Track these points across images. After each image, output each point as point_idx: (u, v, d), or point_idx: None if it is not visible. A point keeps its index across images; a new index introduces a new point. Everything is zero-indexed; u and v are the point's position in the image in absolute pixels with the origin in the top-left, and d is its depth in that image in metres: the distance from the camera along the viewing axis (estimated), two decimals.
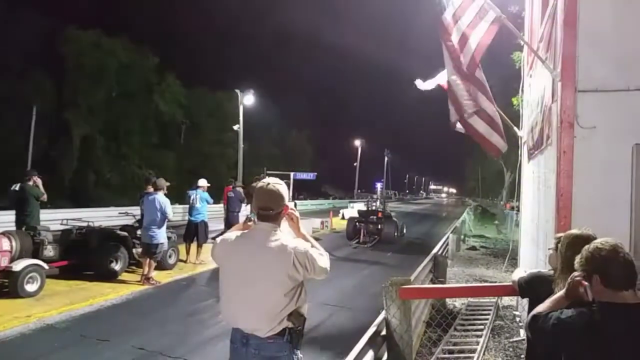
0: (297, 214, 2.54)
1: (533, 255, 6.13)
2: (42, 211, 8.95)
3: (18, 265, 6.87)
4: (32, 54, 30.03)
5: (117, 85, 35.00)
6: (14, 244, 7.04)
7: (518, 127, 8.01)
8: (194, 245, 10.49)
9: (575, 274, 2.01)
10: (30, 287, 6.94)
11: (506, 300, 7.46)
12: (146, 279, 8.15)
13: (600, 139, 4.22)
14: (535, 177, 6.35)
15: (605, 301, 1.85)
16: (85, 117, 32.44)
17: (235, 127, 25.12)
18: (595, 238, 2.10)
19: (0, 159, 25.58)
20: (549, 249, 2.91)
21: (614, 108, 4.24)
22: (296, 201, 26.62)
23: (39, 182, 8.58)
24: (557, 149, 4.44)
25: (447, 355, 5.12)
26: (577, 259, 2.01)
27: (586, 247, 1.98)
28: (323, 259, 2.39)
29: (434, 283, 7.12)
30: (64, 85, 31.93)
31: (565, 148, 4.30)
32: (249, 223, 2.58)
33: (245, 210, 11.59)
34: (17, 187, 8.52)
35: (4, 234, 7.13)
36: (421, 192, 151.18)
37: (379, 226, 16.28)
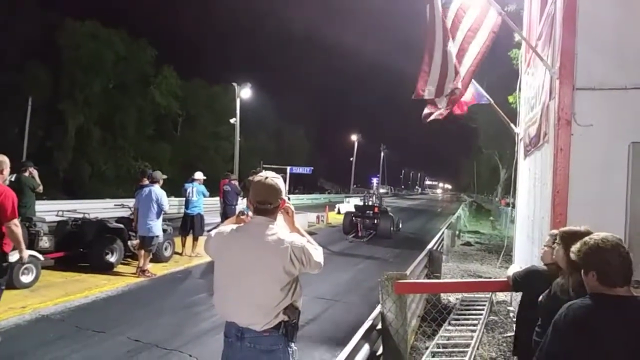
0: (292, 208, 2.55)
1: (528, 252, 6.16)
2: (37, 202, 8.90)
3: (13, 257, 6.82)
4: (28, 45, 29.81)
5: (114, 77, 34.82)
6: None
7: (515, 124, 8.04)
8: (189, 238, 10.49)
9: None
10: (25, 278, 6.92)
11: (500, 296, 7.51)
12: (142, 271, 8.15)
13: (597, 137, 4.24)
14: (532, 174, 6.37)
15: (599, 292, 1.86)
16: (81, 109, 32.28)
17: (232, 121, 25.02)
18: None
19: None
20: (544, 245, 2.94)
21: (612, 106, 4.26)
22: (290, 195, 26.64)
23: (35, 173, 8.53)
24: (554, 146, 4.45)
25: (441, 350, 5.15)
26: (575, 250, 1.97)
27: (586, 240, 1.92)
28: (318, 254, 2.40)
29: (429, 278, 7.15)
30: (60, 76, 31.71)
31: (562, 145, 4.31)
32: (242, 217, 2.57)
33: (242, 203, 11.58)
34: (12, 177, 8.46)
35: None
36: (417, 187, 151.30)
37: (375, 221, 16.38)
